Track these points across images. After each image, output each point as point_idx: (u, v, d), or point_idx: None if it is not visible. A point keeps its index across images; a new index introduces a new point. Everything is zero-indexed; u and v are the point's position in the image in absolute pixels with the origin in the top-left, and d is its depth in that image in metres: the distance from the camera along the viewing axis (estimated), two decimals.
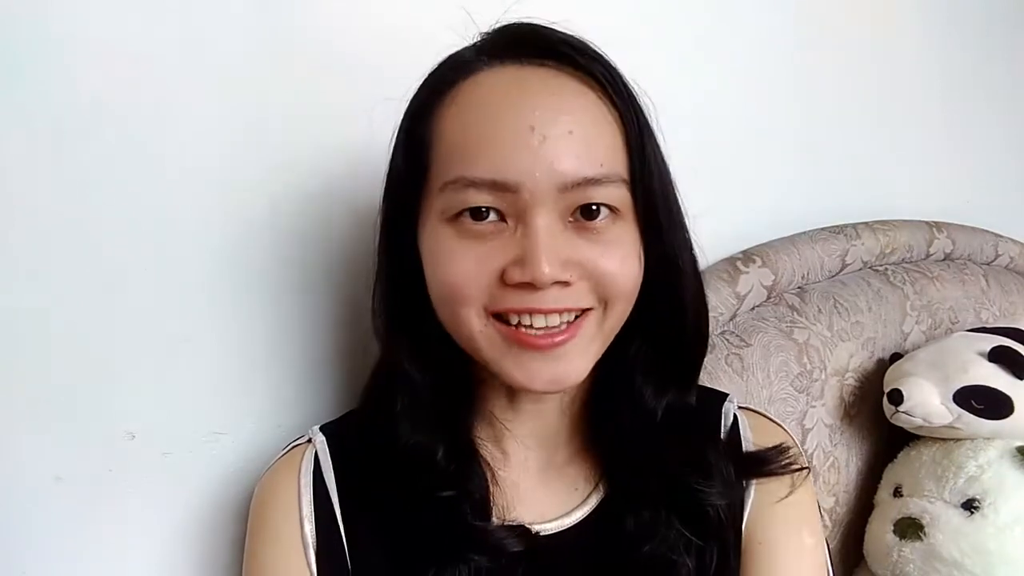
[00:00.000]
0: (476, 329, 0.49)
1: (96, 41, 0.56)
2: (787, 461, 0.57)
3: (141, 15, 0.57)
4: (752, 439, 0.59)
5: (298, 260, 0.65)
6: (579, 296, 0.48)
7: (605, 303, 0.49)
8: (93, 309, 0.57)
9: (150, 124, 0.58)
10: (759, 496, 0.56)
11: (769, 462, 0.56)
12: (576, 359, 0.49)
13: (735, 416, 0.60)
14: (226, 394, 0.63)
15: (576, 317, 0.49)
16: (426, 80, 0.52)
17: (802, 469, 0.57)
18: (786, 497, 0.56)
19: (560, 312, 0.48)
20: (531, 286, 0.46)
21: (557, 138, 0.46)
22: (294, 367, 0.66)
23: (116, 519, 0.59)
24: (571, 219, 0.48)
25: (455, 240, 0.48)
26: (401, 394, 0.53)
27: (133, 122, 0.57)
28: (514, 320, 0.48)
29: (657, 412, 0.55)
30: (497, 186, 0.46)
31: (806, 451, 0.88)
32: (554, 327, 0.48)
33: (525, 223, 0.46)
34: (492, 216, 0.47)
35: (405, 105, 0.53)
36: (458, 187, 0.47)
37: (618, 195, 0.48)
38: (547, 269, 0.45)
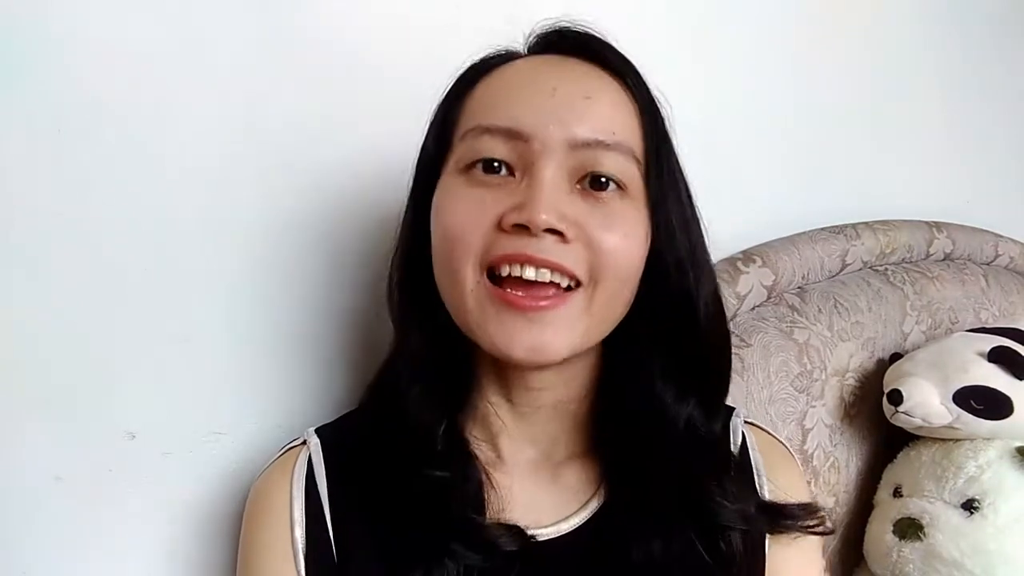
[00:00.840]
0: (468, 287, 0.48)
1: (96, 41, 0.56)
2: (814, 523, 0.55)
3: (141, 15, 0.57)
4: (762, 461, 0.59)
5: (299, 260, 0.65)
6: (572, 257, 0.47)
7: (595, 282, 0.48)
8: (93, 309, 0.57)
9: (150, 124, 0.58)
10: (774, 536, 0.56)
11: (796, 518, 0.55)
12: (559, 331, 0.48)
13: (743, 434, 0.60)
14: (226, 394, 0.63)
15: (566, 289, 0.48)
16: (468, 67, 0.54)
17: (829, 533, 0.57)
18: (799, 536, 0.56)
19: (551, 268, 0.47)
20: (527, 231, 0.46)
21: (575, 97, 0.48)
22: (294, 367, 0.66)
23: (116, 519, 0.59)
24: (579, 185, 0.48)
25: (463, 188, 0.49)
26: (406, 369, 0.54)
27: (133, 122, 0.57)
28: (505, 271, 0.47)
29: (678, 420, 0.54)
30: (511, 134, 0.48)
31: (806, 451, 0.88)
32: (542, 282, 0.47)
33: (531, 174, 0.47)
34: (503, 171, 0.48)
35: (442, 91, 0.54)
36: (475, 134, 0.49)
37: (628, 169, 0.49)
38: (544, 215, 0.46)
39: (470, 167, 0.49)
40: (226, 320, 0.63)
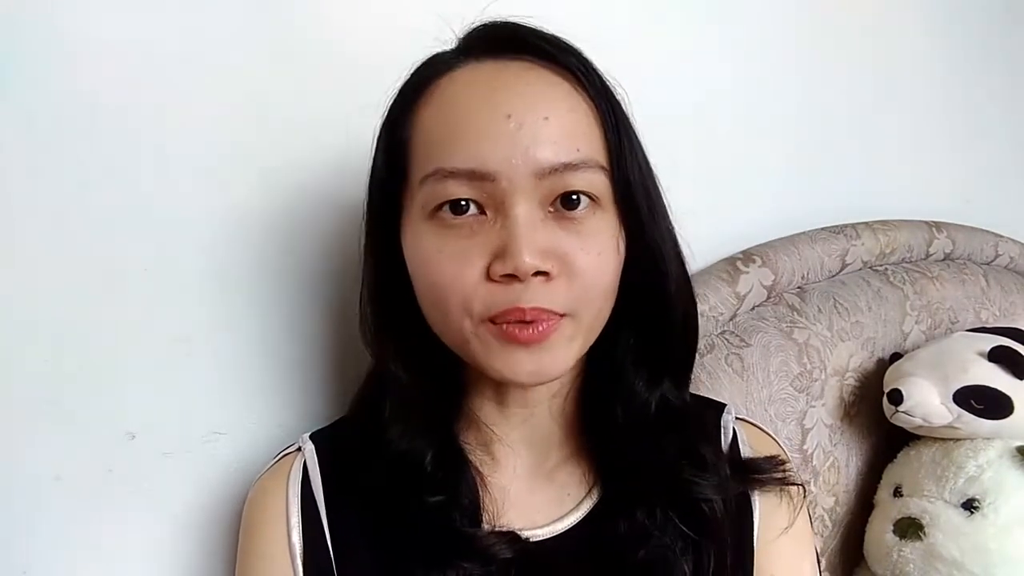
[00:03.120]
0: (468, 333, 0.48)
1: (96, 41, 0.56)
2: (783, 474, 0.57)
3: (141, 15, 0.57)
4: (751, 454, 0.59)
5: (299, 260, 0.66)
6: (557, 297, 0.47)
7: (579, 308, 0.48)
8: (93, 309, 0.57)
9: (150, 123, 0.58)
10: (763, 527, 0.56)
11: (764, 471, 0.56)
12: (557, 354, 0.49)
13: (734, 429, 0.60)
14: (226, 394, 0.63)
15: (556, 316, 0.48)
16: (406, 81, 0.52)
17: (798, 485, 0.57)
18: (788, 528, 0.56)
19: (539, 315, 0.47)
20: (515, 278, 0.46)
21: (533, 124, 0.46)
22: (294, 366, 0.66)
23: (116, 519, 0.59)
24: (551, 208, 0.47)
25: (437, 239, 0.48)
26: (390, 397, 0.53)
27: (133, 122, 0.57)
28: (500, 319, 0.47)
29: (651, 404, 0.55)
30: (475, 175, 0.46)
31: (806, 451, 0.88)
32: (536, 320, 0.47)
33: (505, 214, 0.46)
34: (472, 209, 0.47)
35: (384, 108, 0.53)
36: (437, 179, 0.47)
37: (597, 181, 0.48)
38: (527, 259, 0.45)
39: (437, 209, 0.47)
40: (226, 320, 0.63)
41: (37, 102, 0.54)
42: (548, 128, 0.46)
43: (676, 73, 0.90)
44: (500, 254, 0.46)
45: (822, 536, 0.91)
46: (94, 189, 0.56)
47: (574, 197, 0.47)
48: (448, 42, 0.53)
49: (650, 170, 0.53)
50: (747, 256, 0.90)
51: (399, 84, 0.52)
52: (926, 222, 1.13)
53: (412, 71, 0.52)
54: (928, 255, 1.12)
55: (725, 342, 0.85)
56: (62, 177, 0.55)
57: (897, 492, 0.88)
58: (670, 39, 0.91)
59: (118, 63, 0.57)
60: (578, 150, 0.47)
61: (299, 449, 0.56)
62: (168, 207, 0.59)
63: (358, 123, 0.66)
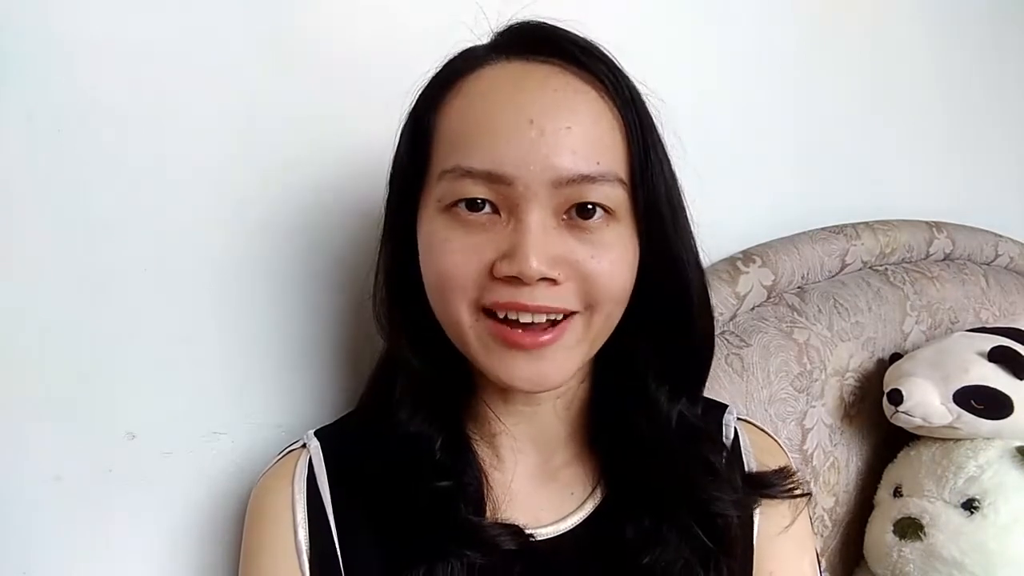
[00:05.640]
0: (466, 323, 0.49)
1: (96, 41, 0.56)
2: (791, 485, 0.57)
3: (141, 15, 0.57)
4: (753, 454, 0.60)
5: (298, 260, 0.65)
6: (565, 297, 0.47)
7: (591, 308, 0.49)
8: (94, 309, 0.57)
9: (150, 124, 0.58)
10: (763, 525, 0.56)
11: (773, 485, 0.56)
12: (559, 360, 0.49)
13: (735, 430, 0.60)
14: (226, 394, 0.63)
15: (562, 318, 0.48)
16: (435, 73, 0.52)
17: (805, 495, 0.58)
18: (789, 527, 0.56)
19: (545, 312, 0.47)
20: (519, 280, 0.46)
21: (555, 133, 0.46)
22: (294, 367, 0.66)
23: (116, 519, 0.59)
24: (565, 217, 0.48)
25: (449, 230, 0.48)
26: (400, 382, 0.54)
27: (133, 122, 0.57)
28: (501, 314, 0.48)
29: (672, 418, 0.55)
30: (492, 178, 0.46)
31: (806, 451, 0.88)
32: (539, 323, 0.48)
33: (518, 218, 0.46)
34: (487, 208, 0.47)
35: (412, 97, 0.53)
36: (455, 176, 0.47)
37: (614, 195, 0.48)
38: (535, 264, 0.45)
39: (453, 205, 0.48)
40: (226, 320, 0.63)
41: (37, 102, 0.54)
42: (570, 138, 0.46)
43: (676, 73, 0.90)
44: (508, 255, 0.46)
45: (822, 536, 0.91)
46: (94, 189, 0.56)
47: (589, 207, 0.47)
48: (473, 35, 0.53)
49: (675, 183, 0.53)
50: (747, 256, 0.90)
51: (428, 75, 0.52)
52: (926, 222, 1.13)
53: (442, 64, 0.52)
54: (928, 255, 1.12)
55: (725, 342, 0.85)
56: (62, 177, 0.55)
57: (897, 492, 0.88)
58: (669, 38, 0.91)
59: (117, 63, 0.56)
60: (598, 163, 0.47)
61: (304, 446, 0.56)
62: (168, 207, 0.59)
63: (360, 123, 0.67)
